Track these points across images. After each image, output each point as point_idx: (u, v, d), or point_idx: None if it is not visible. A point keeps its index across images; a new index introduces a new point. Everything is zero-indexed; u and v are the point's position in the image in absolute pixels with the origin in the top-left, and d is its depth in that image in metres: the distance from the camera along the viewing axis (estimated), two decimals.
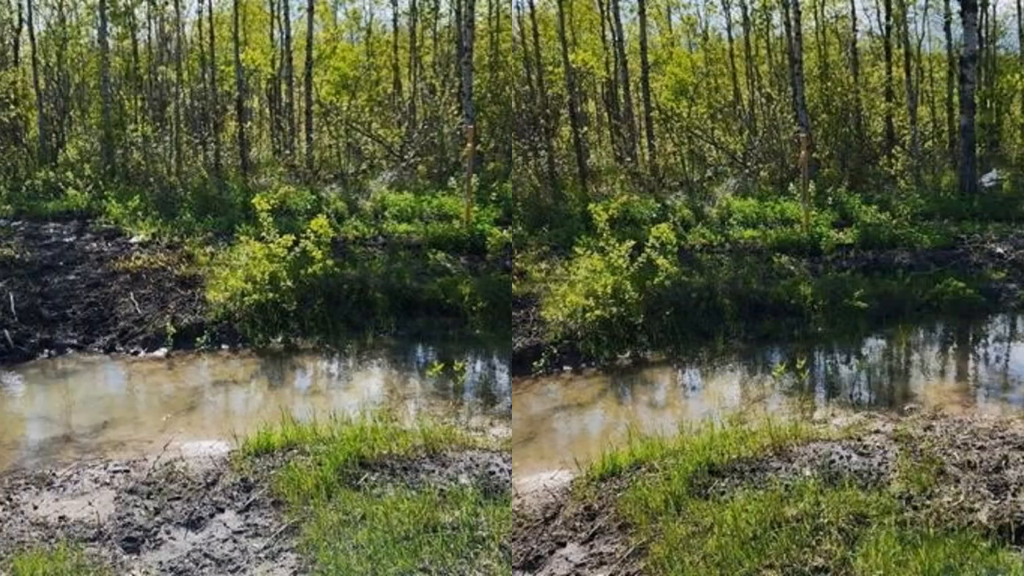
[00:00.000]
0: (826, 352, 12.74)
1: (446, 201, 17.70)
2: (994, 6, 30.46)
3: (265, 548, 6.47)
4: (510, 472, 8.00)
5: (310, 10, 32.50)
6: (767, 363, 12.17)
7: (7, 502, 7.46)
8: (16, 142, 26.66)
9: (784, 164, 23.04)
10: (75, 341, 12.82)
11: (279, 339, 12.85)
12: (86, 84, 30.43)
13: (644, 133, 28.06)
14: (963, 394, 10.78)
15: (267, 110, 40.53)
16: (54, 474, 8.14)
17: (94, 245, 16.88)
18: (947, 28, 27.91)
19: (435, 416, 9.73)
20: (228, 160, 28.70)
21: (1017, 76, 29.78)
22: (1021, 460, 7.40)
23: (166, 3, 33.43)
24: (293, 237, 13.97)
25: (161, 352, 12.45)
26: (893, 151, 23.72)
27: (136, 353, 12.49)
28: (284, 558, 6.32)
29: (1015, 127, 30.18)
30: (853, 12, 28.82)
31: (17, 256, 15.45)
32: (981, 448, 7.71)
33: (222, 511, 7.08)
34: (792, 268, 14.81)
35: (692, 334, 12.84)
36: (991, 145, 28.45)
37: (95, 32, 29.05)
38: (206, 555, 6.38)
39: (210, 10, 34.77)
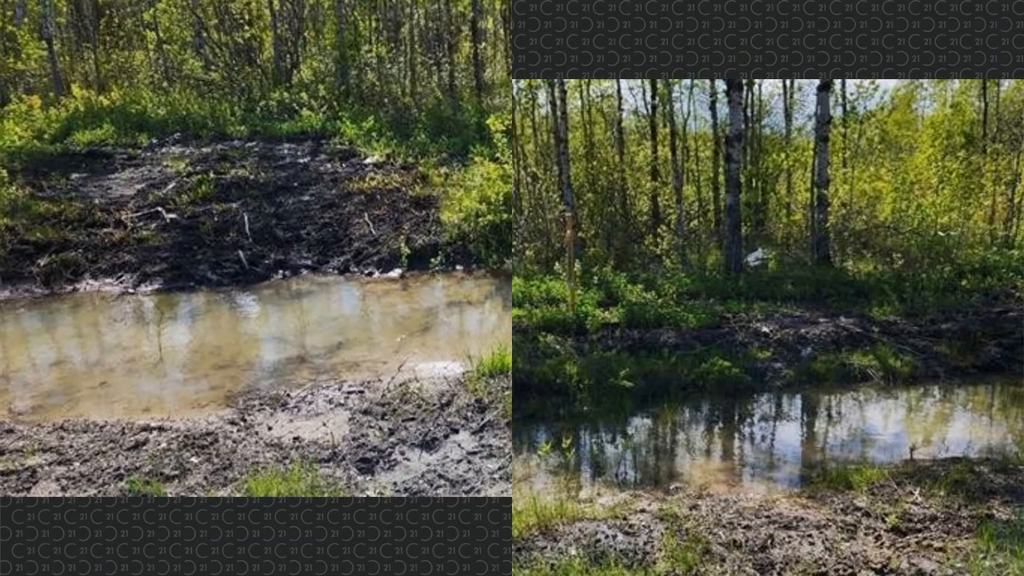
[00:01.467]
0: (592, 431, 12.50)
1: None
2: (759, 86, 30.73)
3: (499, 469, 6.47)
4: None
5: None
6: (532, 442, 11.97)
7: (242, 423, 7.67)
8: (250, 63, 27.55)
9: (550, 243, 22.82)
10: (309, 262, 13.19)
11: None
12: (320, 5, 31.14)
13: None
14: (729, 473, 10.49)
15: (501, 31, 41.03)
16: (288, 395, 8.35)
17: (328, 166, 17.34)
18: (713, 107, 27.95)
19: None
20: (462, 81, 29.09)
21: (782, 155, 29.33)
22: (787, 539, 7.43)
23: None
24: None
25: (395, 273, 12.70)
26: (659, 230, 23.33)
27: (371, 274, 12.77)
28: None
29: (780, 206, 29.76)
30: (619, 91, 29.52)
31: (252, 177, 16.00)
32: (747, 527, 7.75)
33: (456, 432, 7.12)
34: (558, 347, 14.56)
35: None
36: (757, 224, 28.29)
37: None
38: (440, 475, 6.41)
39: None
